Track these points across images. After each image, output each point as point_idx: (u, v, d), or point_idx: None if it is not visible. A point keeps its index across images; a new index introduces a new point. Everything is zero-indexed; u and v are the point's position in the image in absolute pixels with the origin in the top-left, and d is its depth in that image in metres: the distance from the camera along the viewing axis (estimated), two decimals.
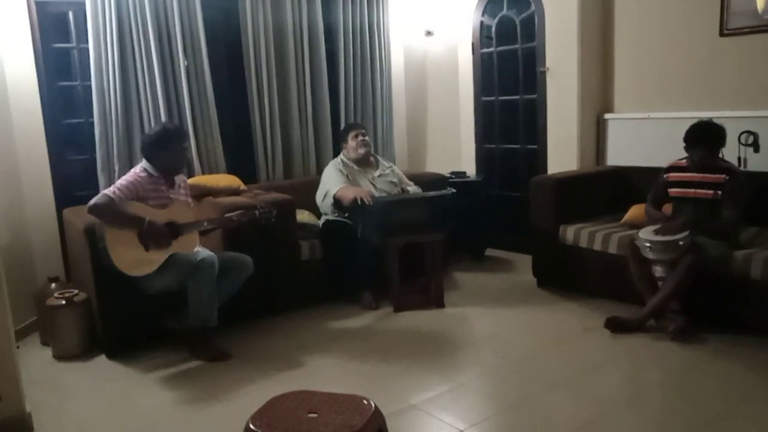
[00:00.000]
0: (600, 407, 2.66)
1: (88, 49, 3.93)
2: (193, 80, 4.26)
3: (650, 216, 3.59)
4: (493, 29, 5.01)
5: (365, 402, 1.87)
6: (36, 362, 3.40)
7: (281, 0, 4.55)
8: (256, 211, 3.46)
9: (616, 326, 3.39)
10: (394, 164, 4.69)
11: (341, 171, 4.17)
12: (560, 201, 4.05)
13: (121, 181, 3.23)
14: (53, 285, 3.62)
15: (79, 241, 3.33)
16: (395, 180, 4.31)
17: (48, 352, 3.48)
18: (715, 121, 3.42)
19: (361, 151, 4.23)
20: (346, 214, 4.02)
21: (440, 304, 3.93)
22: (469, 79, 5.22)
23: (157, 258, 3.19)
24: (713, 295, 3.30)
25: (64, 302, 3.39)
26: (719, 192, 3.31)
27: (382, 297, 3.97)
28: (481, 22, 5.06)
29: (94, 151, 4.01)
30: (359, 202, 3.80)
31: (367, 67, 5.05)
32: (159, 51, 4.07)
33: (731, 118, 3.68)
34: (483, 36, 5.09)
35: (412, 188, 4.28)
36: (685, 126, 3.43)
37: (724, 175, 3.32)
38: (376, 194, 3.99)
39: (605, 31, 4.52)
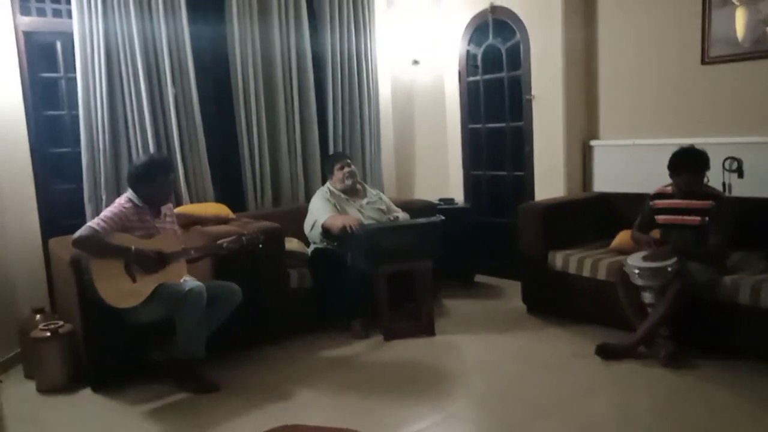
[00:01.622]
0: None
1: (75, 79, 3.92)
2: (182, 109, 4.26)
3: (637, 241, 3.61)
4: (479, 58, 5.07)
5: None
6: (19, 396, 3.32)
7: (269, 29, 4.59)
8: (243, 238, 3.43)
9: (606, 353, 3.38)
10: (382, 192, 4.70)
11: (329, 200, 4.17)
12: (549, 227, 4.06)
13: (106, 213, 3.20)
14: (38, 316, 3.55)
15: (65, 271, 3.28)
16: (383, 207, 4.31)
17: (32, 385, 3.40)
18: (698, 147, 3.46)
19: (348, 182, 4.24)
20: (336, 243, 4.00)
21: (431, 332, 3.90)
22: (456, 107, 5.27)
23: (144, 289, 3.15)
24: (703, 321, 3.30)
25: (48, 334, 3.33)
26: (706, 218, 3.35)
27: (372, 325, 3.94)
28: (468, 51, 5.12)
29: (81, 181, 3.98)
30: (349, 230, 3.80)
31: (355, 95, 5.09)
32: (147, 80, 4.07)
33: (715, 144, 3.73)
34: (469, 64, 5.15)
35: (401, 215, 4.29)
36: (670, 152, 3.47)
37: (710, 201, 3.36)
38: (365, 222, 3.99)
39: (589, 59, 4.60)
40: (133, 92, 4.05)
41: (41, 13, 3.95)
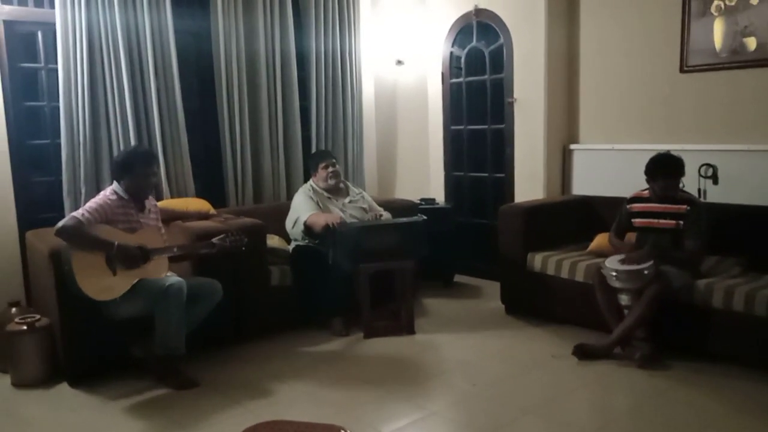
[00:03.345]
0: None
1: (56, 70, 3.87)
2: (164, 103, 4.23)
3: (615, 246, 3.67)
4: (463, 60, 5.11)
5: None
6: None
7: (254, 26, 4.57)
8: (227, 240, 3.42)
9: (583, 353, 3.44)
10: (364, 190, 4.71)
11: (311, 198, 4.17)
12: (529, 229, 4.11)
13: (91, 204, 3.17)
14: (14, 310, 3.51)
15: (43, 264, 3.24)
16: (366, 206, 4.32)
17: (6, 379, 3.35)
18: (674, 153, 3.54)
19: (332, 181, 4.24)
20: (317, 241, 4.01)
21: (411, 331, 3.93)
22: (438, 108, 5.30)
23: (124, 283, 3.12)
24: (677, 323, 3.38)
25: (25, 327, 3.29)
26: (681, 222, 3.42)
27: (352, 323, 3.96)
28: (451, 53, 5.16)
29: (60, 173, 3.93)
30: (331, 227, 3.80)
31: (338, 94, 5.09)
32: (129, 73, 4.04)
33: (691, 151, 3.82)
34: (452, 66, 5.18)
35: (384, 215, 4.30)
36: (647, 157, 3.55)
37: (685, 206, 3.43)
38: (348, 221, 4.00)
39: (571, 64, 4.66)
40: (115, 85, 4.01)
41: (23, 2, 3.89)
